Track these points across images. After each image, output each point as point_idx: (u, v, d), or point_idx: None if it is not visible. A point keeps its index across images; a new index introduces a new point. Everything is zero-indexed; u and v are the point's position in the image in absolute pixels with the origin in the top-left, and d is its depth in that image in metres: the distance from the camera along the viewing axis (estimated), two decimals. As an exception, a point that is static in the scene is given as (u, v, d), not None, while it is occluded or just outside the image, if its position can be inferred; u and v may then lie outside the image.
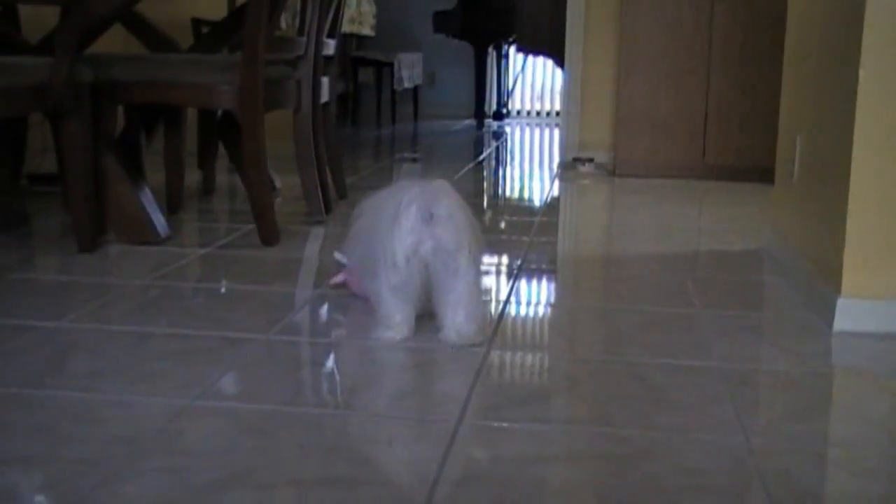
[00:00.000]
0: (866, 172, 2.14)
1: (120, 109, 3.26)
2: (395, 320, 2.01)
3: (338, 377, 1.88)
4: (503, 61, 8.73)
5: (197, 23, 4.55)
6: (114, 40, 3.53)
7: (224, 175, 4.23)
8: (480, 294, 2.07)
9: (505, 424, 1.61)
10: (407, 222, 1.94)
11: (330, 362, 1.96)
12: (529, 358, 2.00)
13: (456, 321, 1.99)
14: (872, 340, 2.12)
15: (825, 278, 2.29)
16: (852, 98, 2.14)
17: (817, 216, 2.45)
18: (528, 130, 7.94)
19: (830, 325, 2.18)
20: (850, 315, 2.17)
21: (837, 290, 2.18)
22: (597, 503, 1.34)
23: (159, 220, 2.95)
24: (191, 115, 3.72)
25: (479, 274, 2.06)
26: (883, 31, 2.10)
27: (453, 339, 1.99)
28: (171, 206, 3.46)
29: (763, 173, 4.20)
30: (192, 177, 3.86)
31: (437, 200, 1.95)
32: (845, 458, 1.52)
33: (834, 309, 2.17)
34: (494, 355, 1.97)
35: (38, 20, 3.49)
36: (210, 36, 3.88)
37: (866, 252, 2.16)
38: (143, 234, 2.91)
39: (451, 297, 1.98)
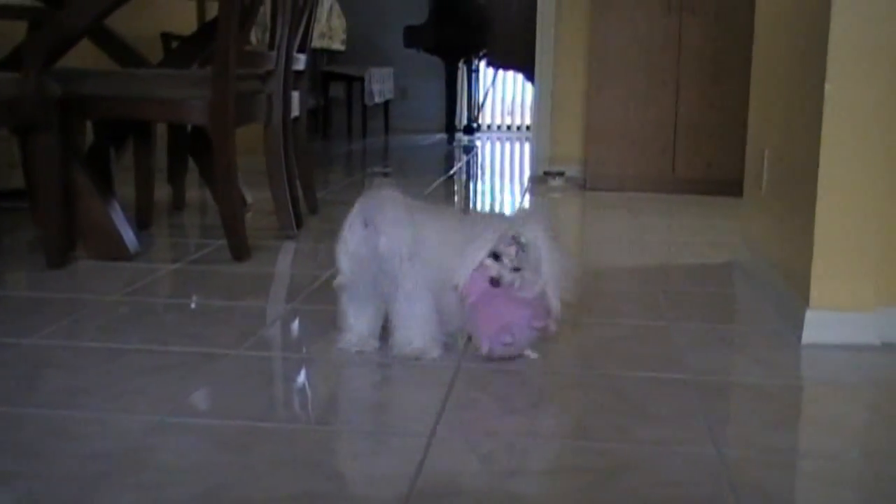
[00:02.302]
0: (833, 185, 2.16)
1: (88, 124, 3.24)
2: (353, 327, 2.02)
3: (310, 392, 1.88)
4: (474, 76, 8.76)
5: (167, 37, 4.54)
6: (83, 55, 3.51)
7: (194, 190, 4.21)
8: (423, 305, 2.01)
9: (479, 438, 1.61)
10: (350, 228, 1.97)
11: (302, 377, 1.95)
12: (503, 371, 2.00)
13: (395, 334, 2.01)
14: (841, 352, 2.14)
15: (794, 290, 2.32)
16: (819, 112, 2.17)
17: (786, 229, 2.47)
18: (498, 144, 7.97)
19: (800, 337, 2.20)
20: (819, 327, 2.19)
21: (806, 302, 2.20)
22: (572, 516, 1.34)
23: (129, 236, 2.93)
24: (160, 129, 3.71)
25: (423, 286, 2.00)
26: (849, 46, 2.12)
27: (395, 350, 2.01)
28: (142, 222, 3.44)
29: (733, 186, 4.23)
30: (162, 192, 3.84)
31: (380, 209, 1.96)
32: (817, 470, 1.53)
33: (803, 320, 2.19)
34: (468, 368, 1.97)
35: (5, 35, 3.47)
36: (180, 51, 3.87)
37: (834, 264, 2.18)
38: (113, 249, 2.88)
39: (392, 306, 2.00)
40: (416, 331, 2.00)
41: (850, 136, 2.15)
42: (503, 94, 9.16)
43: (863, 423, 1.76)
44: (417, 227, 1.97)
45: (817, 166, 2.17)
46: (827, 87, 2.14)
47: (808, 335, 2.19)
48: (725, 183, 4.62)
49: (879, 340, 2.18)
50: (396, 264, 1.95)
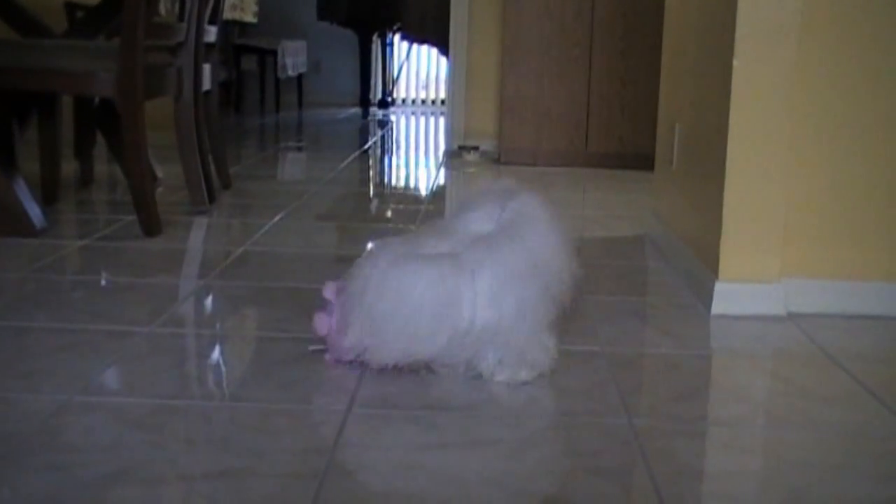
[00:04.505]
0: (741, 159, 2.21)
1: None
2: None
3: (224, 369, 1.85)
4: (388, 49, 8.72)
5: (71, 7, 4.41)
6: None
7: (103, 165, 4.11)
8: None
9: (394, 412, 1.61)
10: None
11: (216, 354, 1.93)
12: (418, 346, 2.00)
13: None
14: (749, 322, 2.20)
15: (704, 263, 2.36)
16: (727, 87, 2.21)
17: (695, 202, 2.52)
18: (413, 119, 7.95)
19: (709, 308, 2.25)
20: (728, 298, 2.24)
21: (715, 274, 2.25)
22: (490, 488, 1.35)
23: (34, 212, 2.86)
24: (66, 102, 3.61)
25: None
26: (755, 23, 2.16)
27: None
28: (47, 197, 3.35)
29: (644, 161, 4.31)
30: (69, 167, 3.74)
31: None
32: (725, 437, 1.57)
33: (712, 292, 2.24)
34: (384, 344, 1.97)
35: None
36: (85, 21, 3.77)
37: (742, 237, 2.23)
38: (17, 226, 2.81)
39: None
40: None
41: (757, 112, 2.19)
42: (418, 68, 9.14)
43: (768, 391, 1.81)
44: None
45: (726, 141, 2.21)
46: (735, 63, 2.18)
47: (717, 307, 2.24)
48: (637, 157, 4.70)
49: (785, 311, 2.24)
50: None
